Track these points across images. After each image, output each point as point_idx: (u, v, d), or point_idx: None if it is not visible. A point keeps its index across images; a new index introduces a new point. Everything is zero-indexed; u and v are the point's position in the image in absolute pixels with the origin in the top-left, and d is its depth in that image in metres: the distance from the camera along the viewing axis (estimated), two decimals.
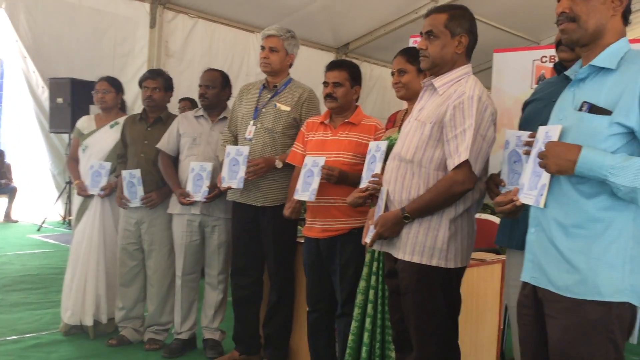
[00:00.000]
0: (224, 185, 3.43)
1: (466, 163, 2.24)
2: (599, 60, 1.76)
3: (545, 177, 1.78)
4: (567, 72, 1.89)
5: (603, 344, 1.70)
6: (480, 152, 2.27)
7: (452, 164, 2.27)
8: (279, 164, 3.40)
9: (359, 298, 2.86)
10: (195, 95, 6.12)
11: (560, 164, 1.69)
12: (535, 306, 1.86)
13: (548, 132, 1.79)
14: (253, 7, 8.20)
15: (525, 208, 1.98)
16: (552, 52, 3.25)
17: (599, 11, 1.77)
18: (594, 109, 1.72)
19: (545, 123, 2.20)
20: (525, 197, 1.86)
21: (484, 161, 2.31)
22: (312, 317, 3.27)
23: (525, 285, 1.91)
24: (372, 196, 2.71)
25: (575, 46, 1.85)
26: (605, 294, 1.70)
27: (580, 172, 1.67)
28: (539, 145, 1.81)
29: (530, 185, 1.85)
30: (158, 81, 3.90)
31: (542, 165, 1.75)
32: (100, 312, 4.00)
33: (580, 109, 1.75)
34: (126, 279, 3.93)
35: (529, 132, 2.07)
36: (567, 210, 1.75)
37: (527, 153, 1.98)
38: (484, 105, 2.29)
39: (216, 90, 3.74)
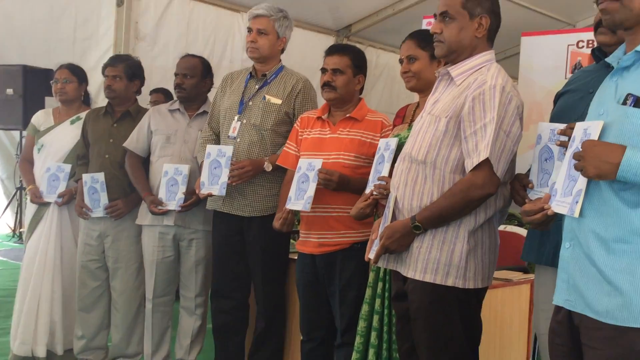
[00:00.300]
0: (204, 191, 3.43)
1: (487, 163, 2.25)
2: None
3: (582, 181, 1.78)
4: (608, 59, 1.90)
5: None
6: (503, 151, 2.28)
7: (470, 164, 2.28)
8: (268, 167, 3.41)
9: (361, 325, 2.86)
10: (169, 86, 6.14)
11: (600, 166, 1.69)
12: (570, 334, 1.86)
13: (587, 130, 1.79)
14: None
15: (558, 218, 1.98)
16: (590, 35, 3.26)
17: None
18: None
19: (581, 119, 2.22)
20: (558, 206, 1.87)
21: (507, 161, 2.32)
22: (307, 348, 3.27)
23: (558, 309, 1.91)
24: (378, 204, 2.72)
25: (618, 29, 1.85)
26: None
27: (624, 177, 1.67)
28: (575, 145, 1.80)
29: (564, 192, 1.85)
30: (118, 68, 3.91)
31: (578, 168, 1.74)
32: (55, 341, 3.99)
33: (624, 103, 1.74)
34: (87, 302, 3.92)
35: (566, 125, 2.08)
36: (608, 221, 1.75)
37: (563, 145, 1.98)
38: (507, 97, 2.30)
39: (195, 80, 3.75)
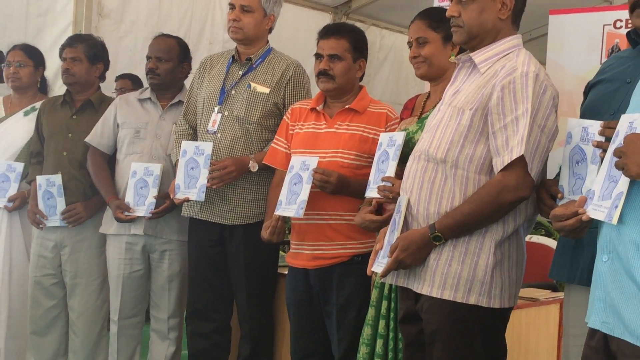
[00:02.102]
0: (179, 196, 3.45)
1: (520, 161, 2.26)
2: None
3: (623, 182, 1.79)
4: None
5: None
6: (538, 148, 2.30)
7: (500, 163, 2.29)
8: (253, 167, 3.43)
9: (363, 351, 2.87)
10: (138, 71, 6.16)
11: None
12: None
13: (633, 123, 1.80)
14: None
15: (594, 226, 1.99)
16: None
17: None
18: None
19: (617, 113, 2.23)
20: (594, 210, 1.88)
21: (542, 160, 2.34)
22: None
23: (593, 333, 1.92)
24: (382, 208, 2.73)
25: None
26: None
27: None
28: (618, 140, 1.81)
29: (602, 194, 1.86)
30: (78, 49, 3.92)
31: (619, 166, 1.76)
32: None
33: None
34: (41, 324, 3.93)
35: (600, 122, 2.09)
36: None
37: (600, 146, 1.99)
38: (542, 86, 2.32)
39: (171, 64, 3.77)
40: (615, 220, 1.79)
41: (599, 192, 1.88)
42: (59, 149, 3.89)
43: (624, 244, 1.81)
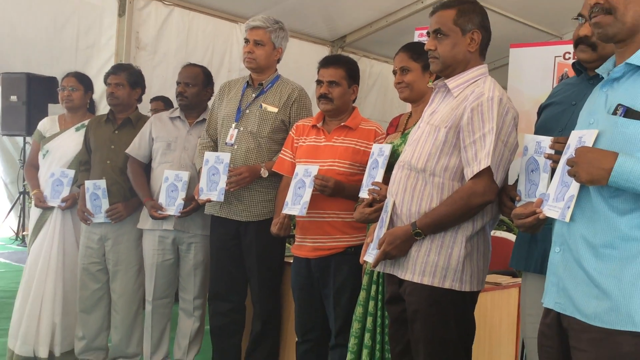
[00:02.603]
0: (202, 197, 3.44)
1: (487, 171, 2.27)
2: (638, 58, 1.78)
3: (574, 187, 1.79)
4: (598, 70, 1.91)
5: None
6: (501, 160, 2.30)
7: (470, 172, 2.29)
8: (264, 173, 3.42)
9: (356, 326, 2.87)
10: (169, 94, 6.16)
11: (593, 172, 1.70)
12: (559, 337, 1.87)
13: (582, 138, 1.80)
14: None
15: (547, 223, 1.99)
16: None
17: (637, 3, 1.78)
18: (630, 113, 1.72)
19: (565, 130, 2.23)
20: (549, 210, 1.88)
21: (505, 170, 2.35)
22: (302, 349, 3.27)
23: (548, 312, 1.92)
24: (371, 205, 2.72)
25: (610, 42, 1.86)
26: None
27: (615, 183, 1.68)
28: (569, 152, 1.82)
29: (556, 197, 1.86)
30: (121, 76, 3.92)
31: (571, 174, 1.76)
32: (54, 342, 3.98)
33: (614, 113, 1.76)
34: (87, 304, 3.92)
35: (551, 138, 2.09)
36: (597, 227, 1.76)
37: (551, 158, 1.99)
38: (505, 108, 2.33)
39: (197, 88, 3.76)
40: (567, 218, 1.80)
41: (553, 195, 1.88)
42: (104, 159, 3.88)
43: (573, 238, 1.81)
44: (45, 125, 4.21)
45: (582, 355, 1.78)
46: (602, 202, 1.76)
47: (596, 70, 1.94)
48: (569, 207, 1.80)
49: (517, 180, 2.33)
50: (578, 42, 2.34)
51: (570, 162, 1.76)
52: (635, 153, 1.69)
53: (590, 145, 1.76)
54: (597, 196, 1.77)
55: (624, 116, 1.73)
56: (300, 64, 8.58)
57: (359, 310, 2.88)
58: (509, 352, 3.33)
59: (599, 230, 1.76)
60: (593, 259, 1.76)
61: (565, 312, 1.83)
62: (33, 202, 4.10)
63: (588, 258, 1.77)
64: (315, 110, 3.35)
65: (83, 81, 4.18)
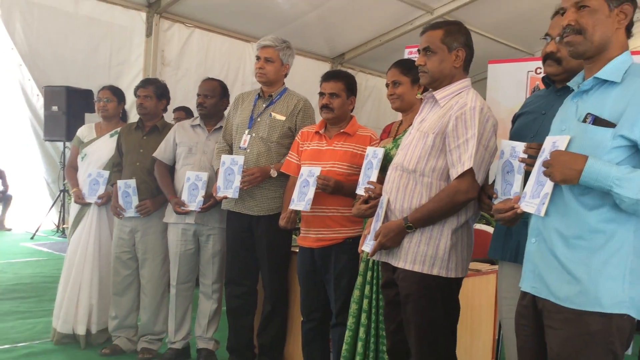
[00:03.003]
0: (220, 194, 3.43)
1: (469, 172, 2.26)
2: (604, 73, 1.78)
3: (549, 186, 1.79)
4: (569, 83, 1.91)
5: (603, 355, 1.71)
6: (482, 162, 2.30)
7: (455, 172, 2.29)
8: (273, 173, 3.41)
9: (353, 307, 2.87)
10: (191, 104, 6.15)
11: (566, 172, 1.70)
12: (534, 317, 1.87)
13: (555, 142, 1.81)
14: (249, 18, 8.23)
15: (523, 217, 1.99)
16: None
17: (604, 24, 1.79)
18: (598, 121, 1.73)
19: (536, 136, 2.23)
20: (526, 205, 1.88)
21: (486, 171, 2.34)
22: (307, 327, 3.26)
23: (524, 295, 1.91)
24: (367, 202, 2.71)
25: (580, 58, 1.86)
26: (606, 306, 1.71)
27: (585, 182, 1.68)
28: (544, 155, 1.81)
29: (532, 194, 1.86)
30: (149, 89, 3.92)
31: (546, 174, 1.76)
32: (91, 321, 3.99)
33: (584, 121, 1.76)
34: (119, 288, 3.92)
35: (524, 143, 2.09)
36: (568, 221, 1.76)
37: (524, 161, 1.99)
38: (485, 117, 2.33)
39: (215, 99, 3.75)
40: (542, 213, 1.80)
41: (529, 193, 1.88)
42: (134, 161, 3.88)
43: (547, 230, 1.82)
44: (84, 132, 4.21)
45: (555, 333, 1.78)
46: (573, 199, 1.76)
47: (567, 84, 1.94)
48: (544, 204, 1.80)
49: (494, 181, 2.32)
50: (545, 57, 2.34)
51: (545, 164, 1.76)
52: (602, 156, 1.70)
53: (563, 149, 1.76)
54: (569, 194, 1.77)
55: (593, 124, 1.74)
56: (305, 78, 8.58)
57: (356, 293, 2.87)
58: (488, 330, 3.33)
59: (570, 224, 1.76)
60: (565, 249, 1.77)
61: (540, 295, 1.83)
62: (73, 199, 4.10)
63: (560, 248, 1.77)
64: (318, 118, 3.34)
65: (116, 93, 4.18)
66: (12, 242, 8.06)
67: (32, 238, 8.20)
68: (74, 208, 4.11)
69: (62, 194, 8.10)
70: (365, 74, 10.42)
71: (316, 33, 8.95)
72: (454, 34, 2.40)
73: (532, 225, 1.90)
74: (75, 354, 3.83)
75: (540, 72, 5.59)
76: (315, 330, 3.24)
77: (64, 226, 8.27)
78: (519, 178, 2.11)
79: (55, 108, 7.37)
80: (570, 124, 1.82)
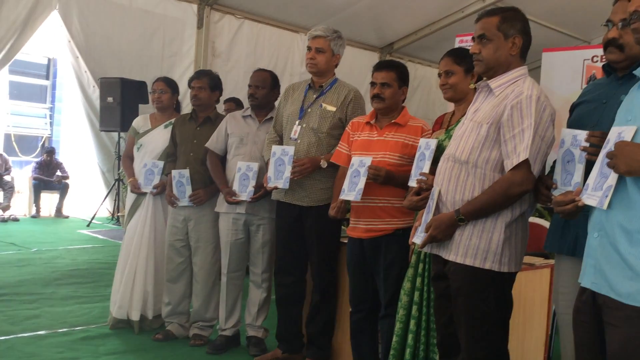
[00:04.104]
0: (270, 185, 3.45)
1: (525, 163, 2.20)
2: None
3: (613, 178, 1.73)
4: (635, 72, 1.84)
5: None
6: (539, 153, 2.23)
7: (510, 164, 2.23)
8: (324, 164, 3.41)
9: (404, 299, 2.84)
10: (240, 95, 6.22)
11: (631, 164, 1.65)
12: (593, 312, 1.82)
13: (621, 133, 1.75)
14: (298, 8, 8.24)
15: (584, 211, 1.93)
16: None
17: None
18: None
19: (597, 125, 2.15)
20: (588, 198, 1.82)
21: (542, 162, 2.27)
22: (355, 318, 3.26)
23: (583, 290, 1.86)
24: (419, 193, 2.68)
25: None
26: None
27: None
28: (609, 146, 1.76)
29: (595, 186, 1.80)
30: (203, 81, 3.95)
31: (610, 165, 1.70)
32: (147, 307, 4.08)
33: None
34: (173, 275, 4.00)
35: (586, 131, 2.03)
36: (633, 215, 1.70)
37: (586, 150, 1.92)
38: (542, 105, 2.25)
39: (265, 90, 3.77)
40: (605, 206, 1.74)
41: (592, 185, 1.82)
42: (187, 151, 3.93)
43: (610, 225, 1.75)
44: (139, 122, 4.29)
45: (615, 330, 1.73)
46: (638, 192, 1.69)
47: (633, 72, 1.87)
48: (607, 196, 1.74)
49: (551, 170, 2.26)
50: (607, 44, 2.26)
51: (609, 155, 1.71)
52: None
53: (629, 140, 1.70)
54: (634, 186, 1.70)
55: None
56: (353, 67, 8.56)
57: (407, 285, 2.85)
58: (541, 325, 3.25)
59: (634, 218, 1.70)
60: (628, 244, 1.70)
61: (600, 292, 1.78)
62: (129, 188, 4.20)
63: (623, 243, 1.71)
64: (369, 108, 3.32)
65: (171, 85, 4.24)
66: (69, 229, 8.36)
67: (88, 225, 8.47)
68: (130, 197, 4.21)
69: (116, 182, 8.33)
70: (415, 64, 10.30)
71: (365, 22, 8.89)
72: (510, 20, 2.33)
73: (594, 219, 1.84)
74: (129, 339, 3.94)
75: (597, 61, 5.41)
76: (363, 321, 3.23)
77: (118, 214, 8.52)
78: (580, 167, 2.04)
79: (110, 99, 7.57)
80: (636, 114, 1.76)
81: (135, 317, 4.05)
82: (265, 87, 3.77)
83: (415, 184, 2.67)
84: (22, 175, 10.01)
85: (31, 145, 11.79)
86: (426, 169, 2.65)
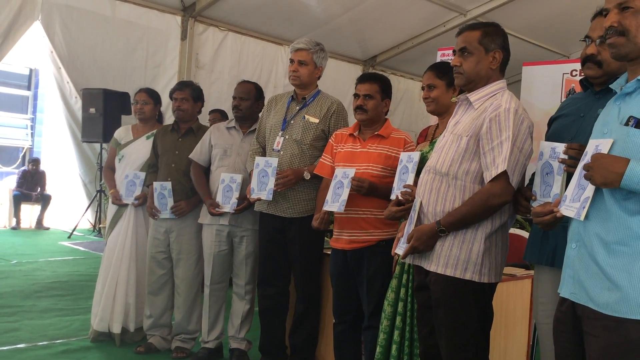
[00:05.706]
0: (254, 196, 3.45)
1: (504, 175, 2.23)
2: None
3: (590, 189, 1.76)
4: (612, 85, 1.88)
5: None
6: (517, 164, 2.26)
7: (489, 176, 2.26)
8: (307, 176, 3.42)
9: (388, 310, 2.85)
10: (224, 107, 6.22)
11: (606, 175, 1.67)
12: (573, 322, 1.83)
13: (598, 146, 1.77)
14: (281, 21, 8.29)
15: (562, 222, 1.95)
16: None
17: None
18: None
19: (575, 138, 2.19)
20: (566, 209, 1.84)
21: (521, 174, 2.30)
22: (339, 329, 3.26)
23: (563, 300, 1.88)
24: (400, 204, 2.69)
25: (623, 60, 1.83)
26: None
27: (627, 186, 1.65)
28: (587, 158, 1.78)
29: (573, 198, 1.83)
30: (186, 92, 3.94)
31: (587, 177, 1.73)
32: (128, 320, 4.04)
33: (626, 124, 1.73)
34: (154, 287, 3.96)
35: (564, 144, 2.06)
36: (609, 226, 1.72)
37: (564, 162, 1.96)
38: (520, 118, 2.29)
39: (250, 102, 3.77)
40: (582, 217, 1.76)
41: (570, 196, 1.85)
42: (169, 162, 3.91)
43: (588, 236, 1.78)
44: (121, 133, 4.26)
45: (594, 340, 1.74)
46: (615, 204, 1.72)
47: (610, 86, 1.90)
48: (584, 207, 1.76)
49: (530, 182, 2.29)
50: (585, 60, 2.30)
51: (586, 167, 1.73)
52: None
53: (606, 152, 1.73)
54: (610, 198, 1.73)
55: (635, 127, 1.70)
56: (337, 80, 8.61)
57: (391, 295, 2.85)
58: (522, 335, 3.28)
59: (611, 229, 1.72)
60: (606, 255, 1.72)
61: (579, 302, 1.80)
62: (110, 200, 4.16)
63: (601, 253, 1.73)
64: (352, 120, 3.34)
65: (153, 96, 4.23)
66: (50, 241, 8.25)
67: (69, 237, 8.38)
68: (111, 208, 4.16)
69: (98, 194, 8.25)
70: (397, 77, 10.38)
71: (348, 35, 8.96)
72: (491, 35, 2.37)
73: (572, 230, 1.86)
74: (111, 352, 3.89)
75: (576, 75, 5.49)
76: (347, 332, 3.23)
77: (100, 226, 8.43)
78: (558, 179, 2.07)
79: (92, 110, 7.51)
80: (612, 127, 1.79)
81: (116, 329, 4.00)
82: (250, 98, 3.77)
83: (398, 197, 2.68)
84: (1, 187, 9.89)
85: (12, 156, 11.67)
86: (410, 180, 2.67)
